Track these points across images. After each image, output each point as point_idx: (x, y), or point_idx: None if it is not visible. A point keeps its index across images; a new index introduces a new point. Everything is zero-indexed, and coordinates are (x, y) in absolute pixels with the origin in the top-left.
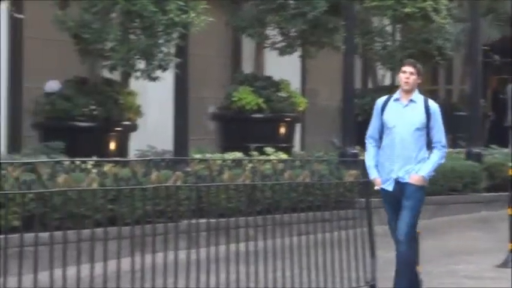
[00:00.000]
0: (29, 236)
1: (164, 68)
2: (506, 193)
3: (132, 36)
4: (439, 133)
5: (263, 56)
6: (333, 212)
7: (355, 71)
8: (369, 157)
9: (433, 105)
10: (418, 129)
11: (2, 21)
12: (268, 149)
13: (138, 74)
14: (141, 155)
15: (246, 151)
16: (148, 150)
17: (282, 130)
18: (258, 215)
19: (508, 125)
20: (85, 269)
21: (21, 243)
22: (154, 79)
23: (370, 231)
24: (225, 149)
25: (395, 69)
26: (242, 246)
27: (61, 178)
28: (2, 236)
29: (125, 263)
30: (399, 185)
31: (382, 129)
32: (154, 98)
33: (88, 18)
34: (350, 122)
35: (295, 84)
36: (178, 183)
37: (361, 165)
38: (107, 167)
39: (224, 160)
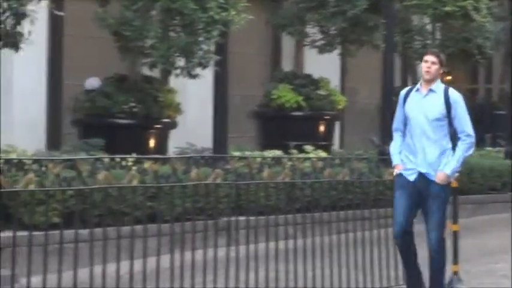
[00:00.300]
0: (69, 233)
1: (204, 66)
2: None
3: (172, 34)
4: (463, 122)
5: (303, 54)
6: (372, 210)
7: (394, 69)
8: (394, 145)
9: (454, 94)
10: (437, 119)
11: (42, 19)
12: (308, 147)
13: (178, 71)
14: (181, 153)
15: (285, 149)
16: (188, 147)
17: (321, 128)
18: (297, 213)
19: None
20: (124, 266)
21: (61, 240)
22: (194, 77)
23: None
24: (264, 147)
25: None
26: (281, 244)
27: (101, 175)
28: (42, 233)
29: (165, 260)
30: (424, 179)
31: (405, 120)
32: (193, 95)
33: (128, 16)
34: (389, 120)
35: (334, 82)
36: (218, 180)
37: None
38: (147, 164)
39: (264, 158)
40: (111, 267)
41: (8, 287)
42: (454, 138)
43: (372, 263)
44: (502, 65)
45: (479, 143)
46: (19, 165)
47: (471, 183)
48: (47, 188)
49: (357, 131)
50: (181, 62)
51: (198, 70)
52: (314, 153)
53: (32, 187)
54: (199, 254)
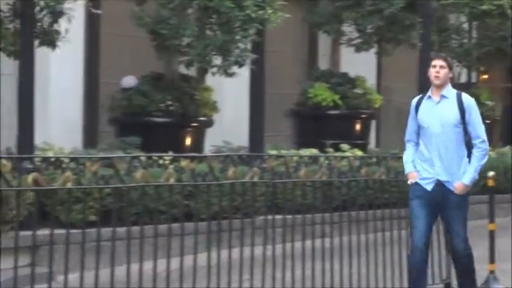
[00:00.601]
0: (106, 231)
1: (240, 64)
2: None
3: (208, 32)
4: (477, 128)
5: (339, 53)
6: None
7: None
8: (407, 154)
9: (467, 99)
10: (453, 125)
11: (79, 17)
12: (344, 146)
13: (215, 69)
14: (217, 151)
15: (321, 148)
16: (224, 146)
17: (358, 127)
18: (333, 211)
19: None
20: (161, 264)
21: (98, 238)
22: (230, 75)
23: (445, 228)
24: (300, 145)
25: (471, 67)
26: (318, 242)
27: (138, 173)
28: (79, 231)
29: (201, 258)
30: (442, 188)
31: (419, 130)
32: (230, 94)
33: (165, 14)
34: None
35: (370, 80)
36: (255, 179)
37: None
38: (184, 163)
39: (301, 157)
40: (148, 265)
41: (45, 284)
42: (468, 145)
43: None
44: None
45: None
46: (56, 163)
47: (507, 182)
48: (84, 186)
49: (392, 130)
50: (217, 60)
51: (234, 68)
52: (350, 152)
53: (69, 185)
54: (235, 252)
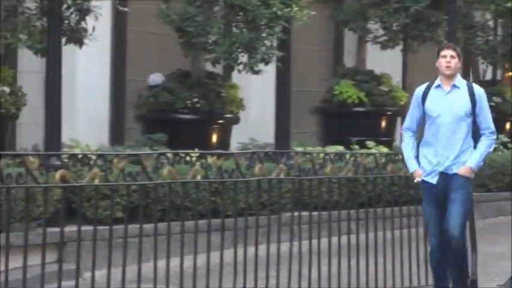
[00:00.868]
0: (132, 227)
1: (267, 62)
2: None
3: (235, 30)
4: (487, 119)
5: (365, 50)
6: None
7: None
8: (408, 148)
9: (478, 90)
10: (463, 116)
11: (106, 15)
12: (370, 143)
13: (241, 67)
14: (243, 148)
15: (346, 145)
16: (250, 143)
17: (383, 124)
18: (359, 208)
19: None
20: (188, 260)
21: (125, 234)
22: (256, 72)
23: (472, 225)
24: (326, 142)
25: (496, 64)
26: (343, 239)
27: (165, 170)
28: (106, 227)
29: (228, 255)
30: (445, 177)
31: (422, 120)
32: (256, 91)
33: (191, 12)
34: None
35: (396, 78)
36: (281, 176)
37: None
38: (211, 160)
39: (327, 153)
40: (175, 262)
41: (72, 281)
42: (474, 136)
43: None
44: None
45: None
46: (84, 160)
47: None
48: (111, 183)
49: None
50: (244, 57)
51: (260, 66)
52: (376, 149)
53: (96, 182)
54: (262, 249)
